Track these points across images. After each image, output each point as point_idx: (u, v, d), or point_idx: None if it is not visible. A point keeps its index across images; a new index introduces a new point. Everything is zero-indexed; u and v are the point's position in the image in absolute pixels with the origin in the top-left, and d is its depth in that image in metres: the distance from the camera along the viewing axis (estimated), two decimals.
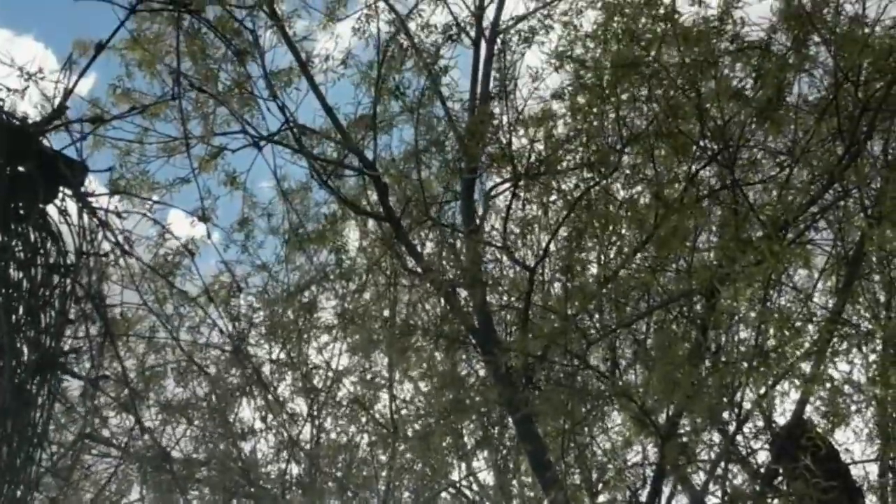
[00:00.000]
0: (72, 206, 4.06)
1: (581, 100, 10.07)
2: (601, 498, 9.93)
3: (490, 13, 11.12)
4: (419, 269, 10.57)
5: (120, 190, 9.87)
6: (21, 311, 3.90)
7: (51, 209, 4.06)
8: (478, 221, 10.60)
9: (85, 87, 10.18)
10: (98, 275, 4.03)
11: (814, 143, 9.41)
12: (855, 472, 9.69)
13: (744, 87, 9.51)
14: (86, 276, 4.00)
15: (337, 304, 11.55)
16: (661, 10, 9.41)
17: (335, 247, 11.34)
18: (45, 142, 4.01)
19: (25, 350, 3.90)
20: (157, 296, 9.74)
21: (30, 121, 4.02)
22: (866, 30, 8.98)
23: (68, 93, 3.88)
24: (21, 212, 3.94)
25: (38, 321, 3.94)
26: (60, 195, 4.06)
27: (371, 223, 11.39)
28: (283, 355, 11.47)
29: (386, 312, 11.39)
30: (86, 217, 4.03)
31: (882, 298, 10.34)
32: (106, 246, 4.16)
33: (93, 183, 4.22)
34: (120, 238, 4.25)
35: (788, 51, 9.42)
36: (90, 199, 4.06)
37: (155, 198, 10.72)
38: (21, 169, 3.92)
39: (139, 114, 5.43)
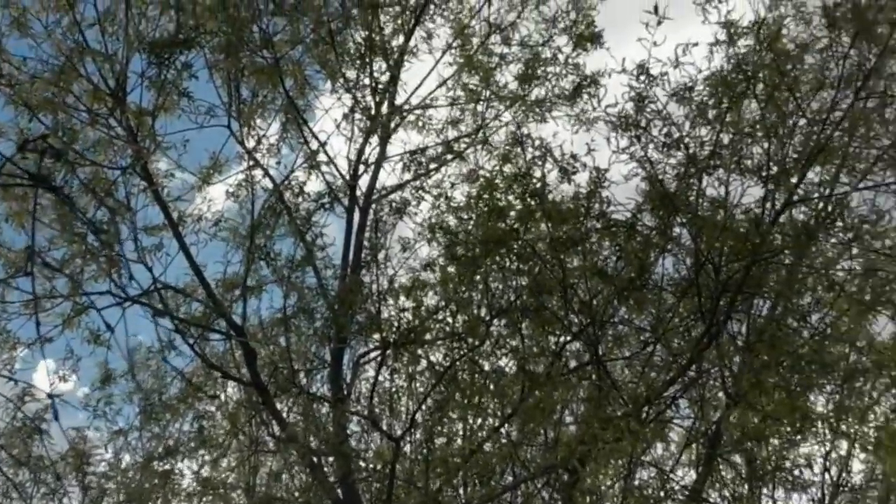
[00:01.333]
0: None
1: (451, 270, 10.16)
2: None
3: (364, 183, 11.25)
4: (284, 437, 10.38)
5: None
6: None
7: None
8: (345, 390, 10.49)
9: None
10: None
11: (675, 323, 9.57)
12: None
13: (608, 265, 9.67)
14: None
15: (198, 471, 11.22)
16: (532, 186, 9.60)
17: (197, 415, 11.11)
18: None
19: None
20: (17, 459, 9.47)
21: None
22: (725, 213, 9.25)
23: None
24: None
25: None
26: None
27: (234, 388, 11.20)
28: None
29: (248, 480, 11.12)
30: None
31: (743, 474, 10.48)
32: None
33: None
34: None
35: (652, 231, 9.62)
36: None
37: (17, 354, 10.51)
38: None
39: None
